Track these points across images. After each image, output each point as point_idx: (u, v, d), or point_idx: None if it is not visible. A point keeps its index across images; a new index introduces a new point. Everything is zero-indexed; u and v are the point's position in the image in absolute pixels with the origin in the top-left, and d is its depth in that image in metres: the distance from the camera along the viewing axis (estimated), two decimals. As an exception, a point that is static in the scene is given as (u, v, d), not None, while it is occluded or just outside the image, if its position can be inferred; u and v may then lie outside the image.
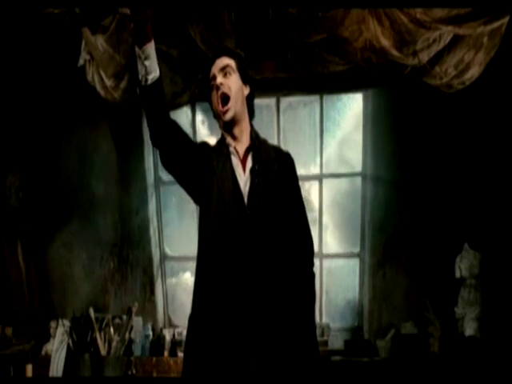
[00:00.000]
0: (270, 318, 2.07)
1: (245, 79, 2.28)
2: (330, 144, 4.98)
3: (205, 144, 2.32)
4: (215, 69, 2.25)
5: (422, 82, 3.95)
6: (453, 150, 4.48)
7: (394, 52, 3.66)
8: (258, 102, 2.43)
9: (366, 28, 3.57)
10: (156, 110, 2.15)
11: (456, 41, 3.69)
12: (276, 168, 2.21)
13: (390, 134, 4.74)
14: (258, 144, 2.24)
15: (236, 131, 2.24)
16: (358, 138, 4.90)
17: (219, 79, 2.22)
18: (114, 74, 4.09)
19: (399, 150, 4.69)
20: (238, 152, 2.22)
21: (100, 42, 3.94)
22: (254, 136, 2.26)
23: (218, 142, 2.29)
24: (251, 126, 2.31)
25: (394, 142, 4.72)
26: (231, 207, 2.12)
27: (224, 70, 2.24)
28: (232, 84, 2.23)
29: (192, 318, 2.17)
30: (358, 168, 4.92)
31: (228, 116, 2.21)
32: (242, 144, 2.24)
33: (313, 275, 2.24)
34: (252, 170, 2.18)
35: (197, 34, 3.76)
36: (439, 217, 4.50)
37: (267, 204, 2.14)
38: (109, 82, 4.16)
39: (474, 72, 3.79)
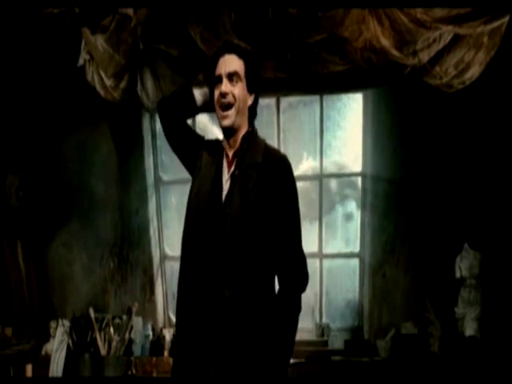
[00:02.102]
0: (237, 327, 2.04)
1: (251, 88, 2.24)
2: (330, 144, 4.97)
3: (208, 142, 2.34)
4: (222, 68, 2.20)
5: (422, 82, 3.95)
6: (453, 149, 4.48)
7: (394, 52, 3.66)
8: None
9: (366, 28, 3.57)
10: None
11: (456, 40, 3.69)
12: (255, 176, 2.15)
13: (390, 133, 4.73)
14: (246, 148, 2.21)
15: (231, 140, 2.24)
16: (358, 137, 4.90)
17: (224, 87, 2.18)
18: (113, 73, 4.09)
19: (399, 149, 4.69)
20: (228, 155, 2.23)
21: (100, 41, 3.94)
22: (246, 139, 2.23)
23: (216, 143, 2.30)
24: (249, 128, 2.26)
25: (394, 142, 4.71)
26: (205, 208, 2.14)
27: (231, 77, 2.19)
28: (237, 93, 2.19)
29: (176, 313, 2.23)
30: (358, 168, 4.92)
31: (226, 122, 2.20)
32: (233, 148, 2.24)
33: (298, 300, 2.15)
34: (232, 175, 2.18)
35: (197, 34, 3.76)
36: (439, 217, 4.50)
37: (239, 210, 2.11)
38: (109, 82, 4.17)
39: (474, 72, 3.79)
